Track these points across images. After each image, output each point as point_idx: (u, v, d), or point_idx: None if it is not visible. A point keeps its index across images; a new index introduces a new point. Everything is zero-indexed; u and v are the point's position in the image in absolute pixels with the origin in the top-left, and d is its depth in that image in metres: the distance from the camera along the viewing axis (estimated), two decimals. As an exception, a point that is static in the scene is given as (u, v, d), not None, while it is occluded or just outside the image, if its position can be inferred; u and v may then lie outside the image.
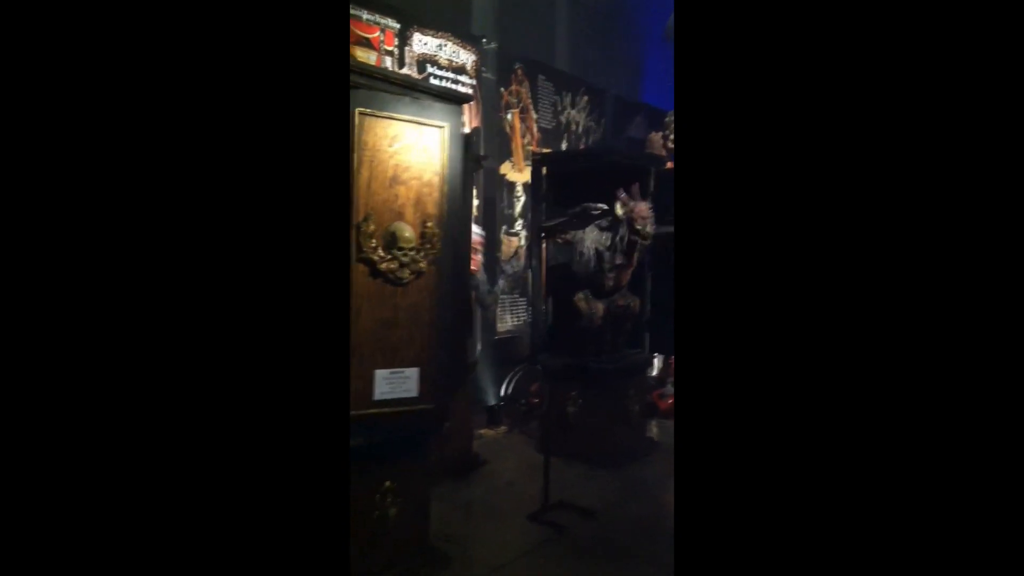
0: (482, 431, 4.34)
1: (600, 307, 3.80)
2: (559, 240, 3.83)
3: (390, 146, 2.15)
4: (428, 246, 2.24)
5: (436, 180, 2.26)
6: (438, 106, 2.26)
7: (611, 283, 3.78)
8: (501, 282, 4.85)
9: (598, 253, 3.78)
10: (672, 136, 5.35)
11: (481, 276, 3.91)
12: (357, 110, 2.08)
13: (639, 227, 3.54)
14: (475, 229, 3.66)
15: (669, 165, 4.49)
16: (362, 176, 2.10)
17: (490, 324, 4.91)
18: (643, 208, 3.55)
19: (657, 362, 5.02)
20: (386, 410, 2.23)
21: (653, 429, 4.44)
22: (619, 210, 3.55)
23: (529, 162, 5.25)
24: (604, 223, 3.75)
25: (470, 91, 4.78)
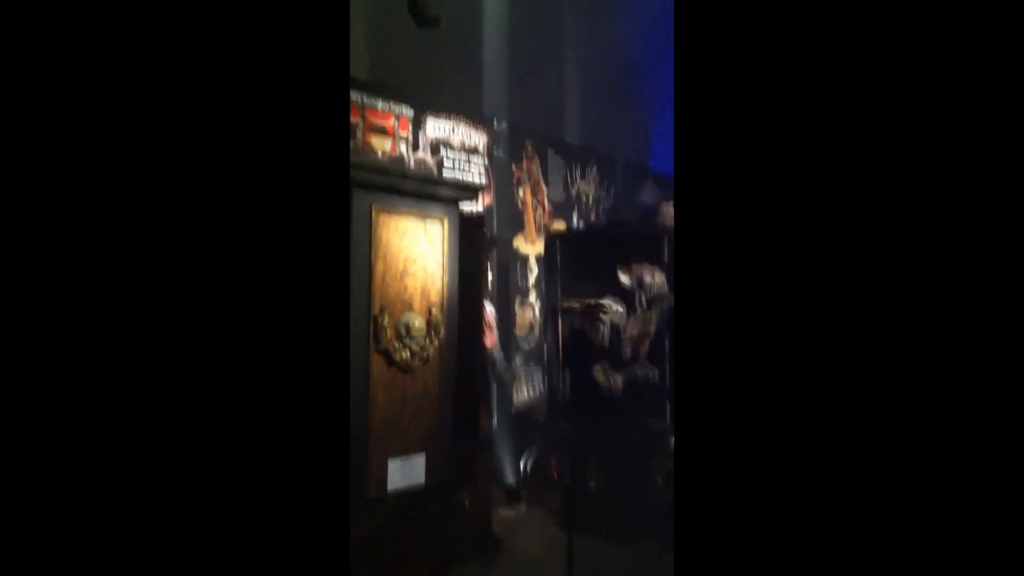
0: (501, 510, 4.25)
1: (619, 379, 3.79)
2: (575, 310, 3.87)
3: (400, 240, 2.23)
4: (434, 333, 2.31)
5: (439, 271, 2.36)
6: (439, 202, 2.37)
7: (628, 353, 3.79)
8: (518, 359, 4.86)
9: (613, 324, 3.80)
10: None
11: (498, 352, 3.93)
12: (373, 206, 2.16)
13: (649, 281, 3.59)
14: (487, 307, 3.71)
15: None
16: (377, 269, 2.16)
17: (507, 397, 4.89)
18: (647, 268, 3.62)
19: (679, 431, 4.94)
20: (400, 499, 2.23)
21: (678, 502, 4.33)
22: (623, 279, 3.62)
23: (542, 235, 5.35)
24: (614, 295, 3.80)
25: (482, 170, 4.92)
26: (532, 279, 5.35)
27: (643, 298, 3.63)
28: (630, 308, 3.73)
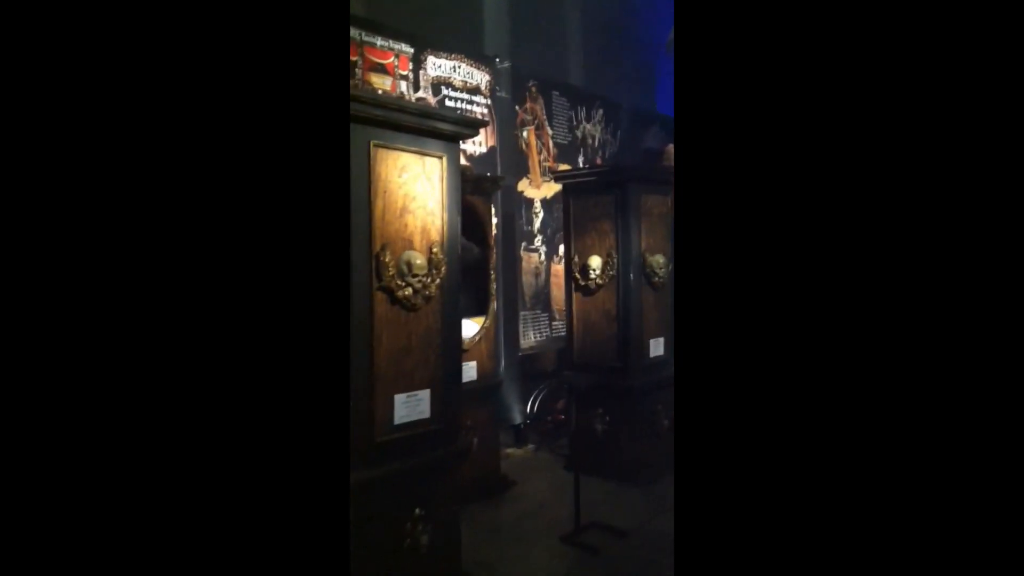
0: (509, 451, 4.31)
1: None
2: (575, 260, 3.87)
3: (399, 176, 2.18)
4: (436, 272, 2.28)
5: (438, 209, 2.32)
6: (438, 138, 2.30)
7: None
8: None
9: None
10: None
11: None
12: (371, 142, 2.10)
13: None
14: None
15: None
16: (376, 207, 2.12)
17: (513, 340, 4.90)
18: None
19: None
20: (407, 433, 2.25)
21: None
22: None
23: (547, 178, 5.26)
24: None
25: (485, 110, 4.81)
26: (538, 223, 5.28)
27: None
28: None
